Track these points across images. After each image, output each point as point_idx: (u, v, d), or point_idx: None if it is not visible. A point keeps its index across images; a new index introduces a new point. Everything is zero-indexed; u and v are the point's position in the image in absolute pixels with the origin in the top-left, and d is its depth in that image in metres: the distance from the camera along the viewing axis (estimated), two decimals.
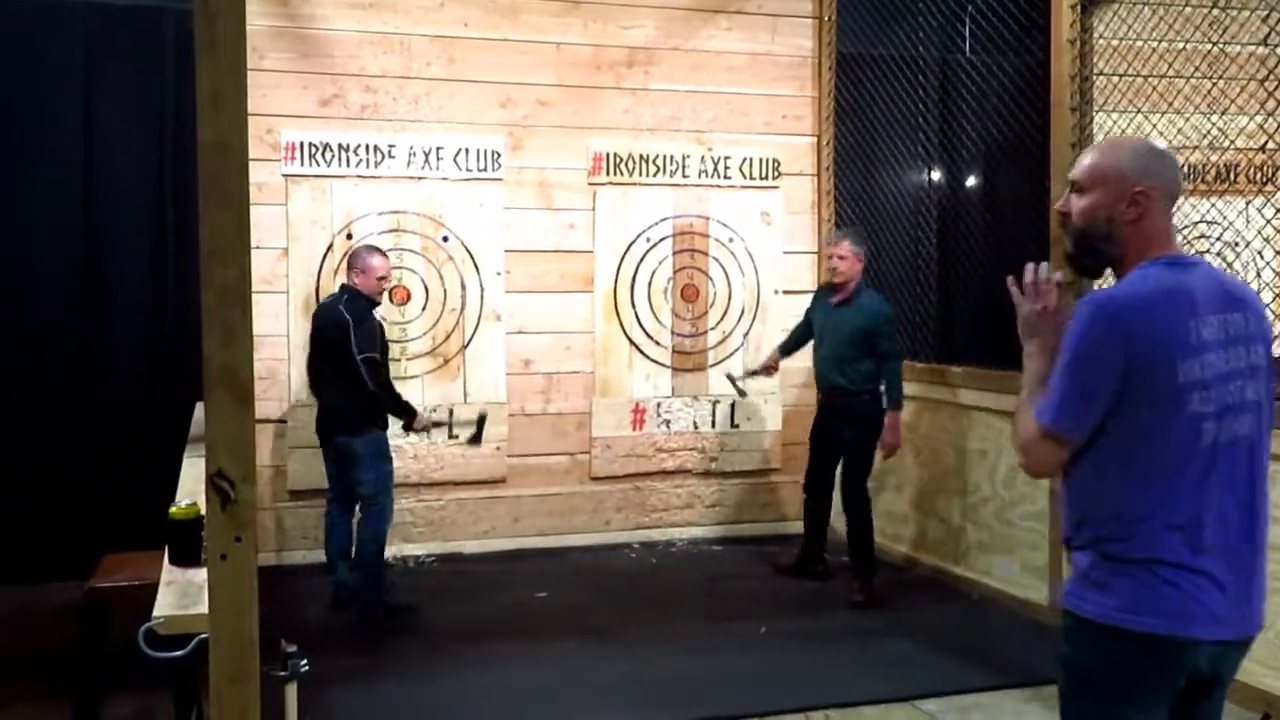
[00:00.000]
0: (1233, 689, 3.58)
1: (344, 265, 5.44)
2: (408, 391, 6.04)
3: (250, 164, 1.99)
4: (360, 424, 5.08)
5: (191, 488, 3.47)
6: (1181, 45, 4.72)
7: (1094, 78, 4.91)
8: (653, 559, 6.22)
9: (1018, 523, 5.19)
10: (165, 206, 6.02)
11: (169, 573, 2.92)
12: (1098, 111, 4.94)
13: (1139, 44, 4.78)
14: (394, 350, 6.03)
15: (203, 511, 2.77)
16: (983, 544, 5.45)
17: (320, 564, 5.80)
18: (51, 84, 5.83)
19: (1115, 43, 4.87)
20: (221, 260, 1.88)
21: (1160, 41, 4.67)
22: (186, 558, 2.97)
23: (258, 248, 5.73)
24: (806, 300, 6.80)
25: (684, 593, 5.57)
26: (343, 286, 5.23)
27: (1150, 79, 4.85)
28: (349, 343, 4.93)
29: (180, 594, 2.70)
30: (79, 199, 5.91)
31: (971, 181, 6.44)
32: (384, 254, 5.28)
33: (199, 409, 5.25)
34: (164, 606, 2.58)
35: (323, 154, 6.01)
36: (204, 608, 2.08)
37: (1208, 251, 6.24)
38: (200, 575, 2.64)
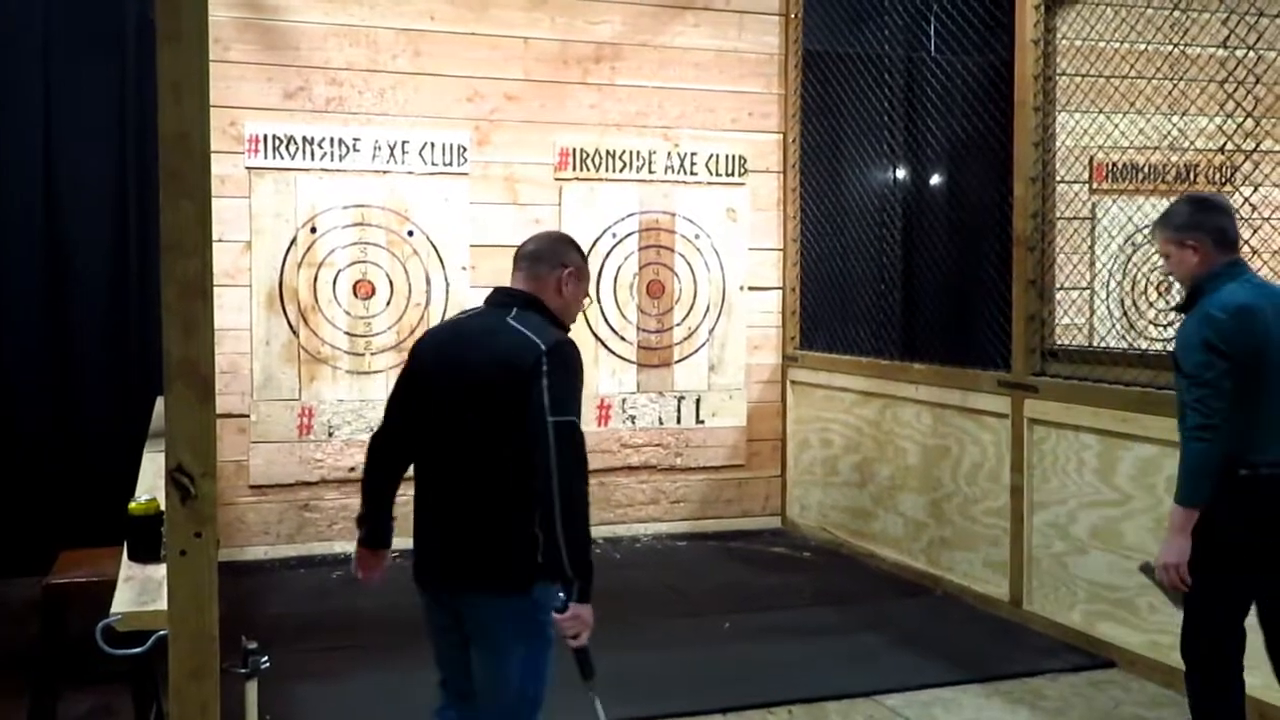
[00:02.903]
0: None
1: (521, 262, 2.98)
2: (371, 389, 6.03)
3: (213, 156, 1.96)
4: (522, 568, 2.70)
5: (151, 483, 3.44)
6: (1143, 46, 4.76)
7: (1057, 78, 4.95)
8: (617, 555, 6.23)
9: (980, 519, 5.23)
10: (127, 198, 5.95)
11: (128, 569, 2.89)
12: (1060, 111, 4.97)
13: (1101, 45, 4.82)
14: (360, 345, 6.02)
15: (162, 507, 2.74)
16: (945, 540, 5.48)
17: (285, 559, 5.77)
18: (10, 73, 5.75)
19: (1078, 43, 4.91)
20: (182, 253, 1.85)
21: (1122, 43, 4.72)
22: (146, 554, 2.93)
23: (220, 241, 5.68)
24: (771, 299, 6.86)
25: (648, 589, 5.57)
26: (514, 293, 2.81)
27: (1112, 79, 4.90)
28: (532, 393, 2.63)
29: (139, 590, 2.67)
30: (38, 190, 5.84)
31: (936, 179, 6.48)
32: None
33: (159, 403, 5.20)
34: (123, 603, 2.55)
35: (287, 147, 5.96)
36: (163, 604, 2.05)
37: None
38: (160, 571, 2.61)
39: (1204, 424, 2.99)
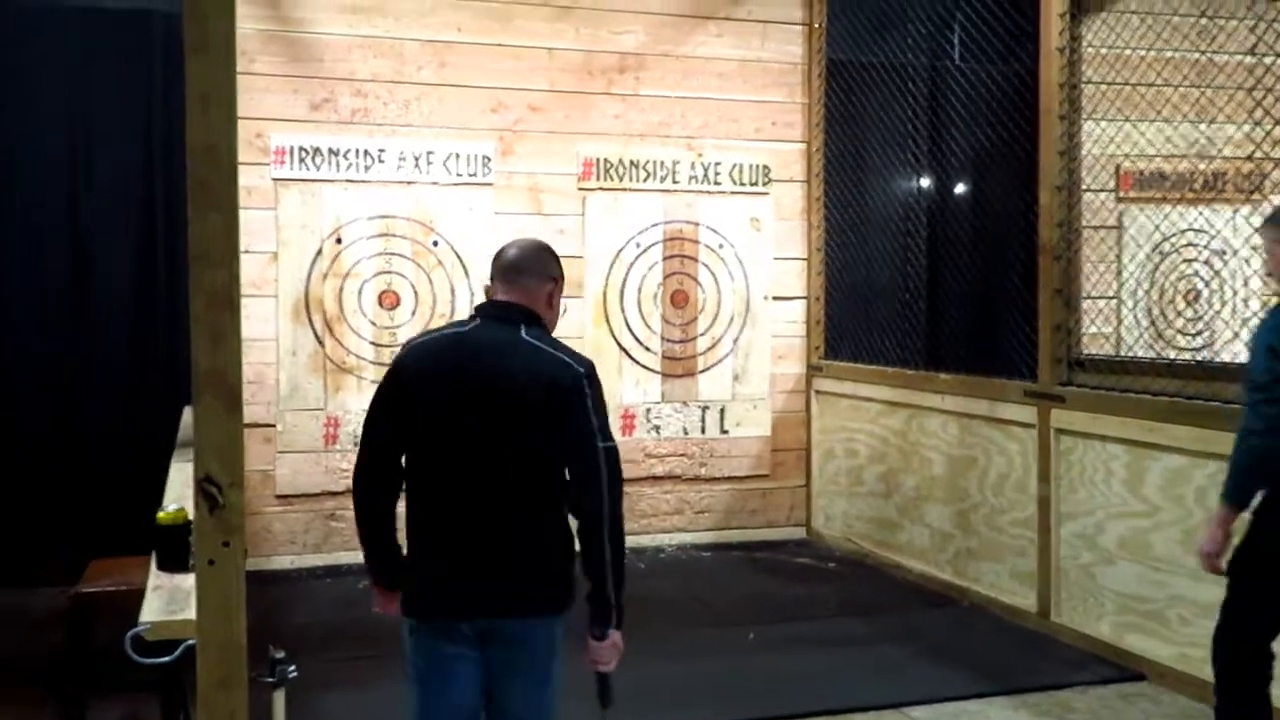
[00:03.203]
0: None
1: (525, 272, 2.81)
2: None
3: (240, 168, 1.98)
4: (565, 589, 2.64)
5: (179, 492, 3.45)
6: (1170, 54, 4.74)
7: (1082, 86, 4.92)
8: (642, 565, 6.21)
9: (1007, 530, 5.19)
10: (155, 210, 6.00)
11: (156, 578, 2.91)
12: (1086, 119, 4.95)
13: (1127, 52, 4.79)
14: (385, 355, 6.03)
15: (190, 516, 2.76)
16: (971, 551, 5.44)
17: (312, 568, 5.79)
18: (40, 87, 5.80)
19: (1104, 51, 4.89)
20: (210, 264, 1.86)
21: (1149, 50, 4.69)
22: (174, 563, 2.95)
23: (247, 252, 5.71)
24: (796, 308, 6.85)
25: (673, 599, 5.56)
26: (517, 308, 2.66)
27: (1139, 87, 4.87)
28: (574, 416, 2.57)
29: (168, 599, 2.68)
30: (66, 202, 5.90)
31: (960, 189, 6.46)
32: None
33: (187, 413, 5.24)
34: (151, 612, 2.57)
35: (313, 158, 5.99)
36: (192, 613, 2.06)
37: (1195, 260, 6.27)
38: (188, 581, 2.62)
39: (1259, 428, 3.03)
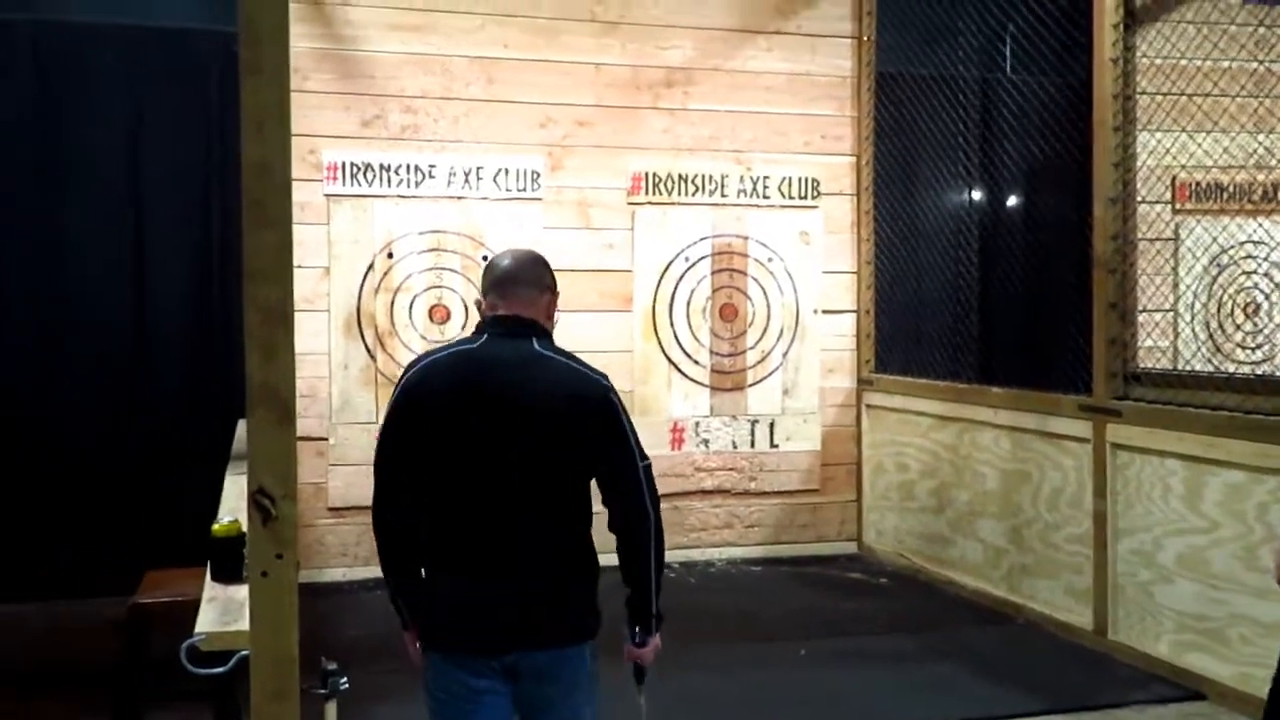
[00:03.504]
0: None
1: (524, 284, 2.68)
2: None
3: (293, 184, 2.00)
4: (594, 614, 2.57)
5: (233, 505, 3.50)
6: (1226, 64, 4.68)
7: (1137, 96, 4.86)
8: (691, 579, 6.20)
9: (1062, 546, 5.12)
10: (210, 227, 6.10)
11: (211, 589, 2.94)
12: (1141, 131, 4.89)
13: (1183, 62, 4.73)
14: None
15: (244, 529, 2.79)
16: (1026, 567, 5.38)
17: (363, 581, 5.83)
18: (100, 106, 5.92)
19: (1159, 61, 4.83)
20: (264, 279, 1.89)
21: (1205, 60, 4.63)
22: (228, 574, 2.98)
23: (300, 267, 5.79)
24: (845, 322, 6.81)
25: (723, 613, 5.54)
26: (525, 321, 2.56)
27: (1195, 98, 4.81)
28: (609, 435, 2.52)
29: (222, 610, 2.72)
30: (126, 219, 6.00)
31: (1012, 201, 6.40)
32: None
33: (241, 427, 5.30)
34: (206, 623, 2.60)
35: (364, 174, 6.06)
36: (245, 624, 2.08)
37: (1254, 272, 6.17)
38: (242, 592, 2.65)
39: None
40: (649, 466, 2.53)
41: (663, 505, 2.58)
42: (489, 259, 2.64)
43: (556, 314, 2.61)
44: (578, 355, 2.54)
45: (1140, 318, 4.94)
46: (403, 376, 2.52)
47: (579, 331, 6.27)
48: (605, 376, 2.52)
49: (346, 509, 5.97)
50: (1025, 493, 5.37)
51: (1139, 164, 4.88)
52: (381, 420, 2.55)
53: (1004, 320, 6.24)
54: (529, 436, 2.42)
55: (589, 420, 2.45)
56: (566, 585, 2.49)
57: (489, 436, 2.42)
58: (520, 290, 2.53)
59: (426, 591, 2.52)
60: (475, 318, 6.06)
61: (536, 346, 2.48)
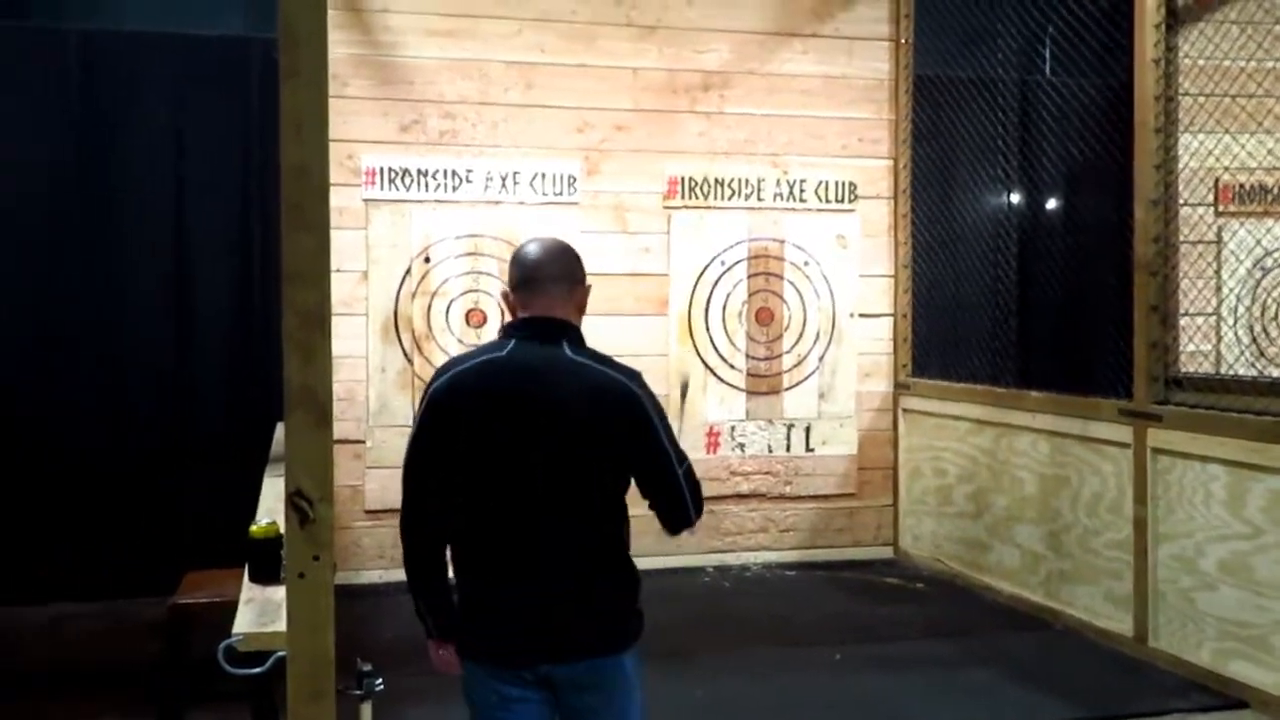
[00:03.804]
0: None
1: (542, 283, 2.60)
2: None
3: (331, 188, 2.02)
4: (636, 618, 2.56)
5: (271, 506, 3.52)
6: (1271, 64, 4.61)
7: (1179, 98, 4.80)
8: (726, 583, 6.19)
9: (1101, 552, 5.07)
10: (251, 231, 6.17)
11: (249, 590, 2.97)
12: (1183, 132, 4.83)
13: (1226, 63, 4.67)
14: None
15: (281, 530, 2.81)
16: (1064, 573, 5.33)
17: (399, 583, 5.85)
18: (143, 112, 6.02)
19: (1201, 62, 4.77)
20: (303, 283, 1.90)
21: (1249, 60, 4.57)
22: (266, 576, 3.01)
23: (338, 271, 5.83)
24: (882, 326, 6.78)
25: (758, 617, 5.52)
26: (556, 323, 2.51)
27: (1238, 99, 4.75)
28: (646, 442, 2.48)
29: (259, 611, 2.74)
30: (168, 223, 6.09)
31: (1052, 204, 6.34)
32: None
33: (279, 429, 5.35)
34: (244, 624, 2.62)
35: (402, 179, 6.10)
36: (282, 625, 2.10)
37: None
38: (279, 593, 2.67)
39: None
40: (690, 469, 2.49)
41: None
42: (519, 249, 2.55)
43: (585, 303, 2.54)
44: (611, 357, 2.50)
45: (1182, 321, 4.87)
46: (429, 386, 2.47)
47: (615, 336, 6.28)
48: (638, 377, 2.46)
49: (383, 511, 6.01)
50: (1064, 498, 5.32)
51: (1181, 166, 4.82)
52: (411, 430, 2.50)
53: (1043, 324, 6.18)
54: (560, 446, 2.39)
55: (622, 429, 2.41)
56: (598, 595, 2.45)
57: (519, 447, 2.39)
58: (550, 288, 2.46)
59: (459, 601, 2.51)
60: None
61: (568, 352, 2.42)
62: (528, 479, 2.39)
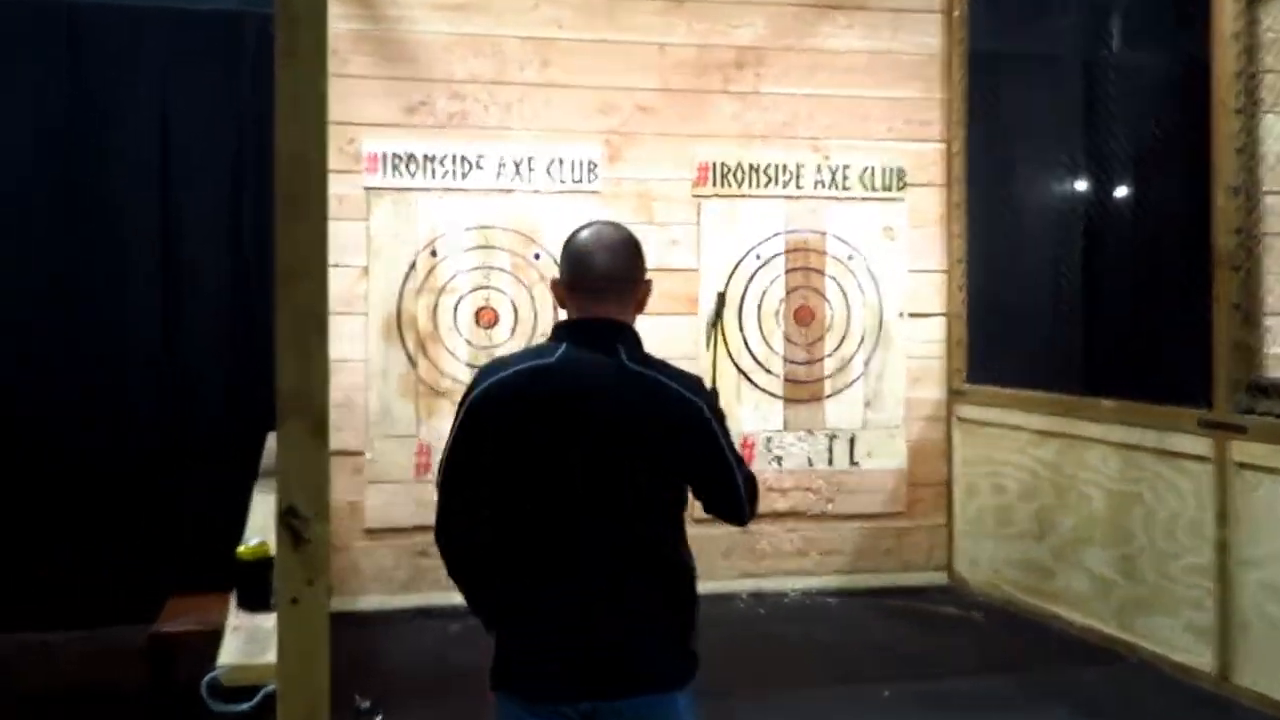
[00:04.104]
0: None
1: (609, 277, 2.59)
2: None
3: (330, 176, 2.01)
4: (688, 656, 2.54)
5: (261, 525, 3.52)
6: None
7: (1262, 75, 4.76)
8: (761, 610, 6.17)
9: (1180, 578, 5.02)
10: (242, 221, 6.18)
11: (236, 617, 2.97)
12: (1266, 113, 4.79)
13: None
14: None
15: (272, 552, 2.81)
16: (1138, 601, 5.28)
17: (401, 610, 5.86)
18: (132, 90, 6.04)
19: None
20: (297, 278, 1.89)
21: None
22: (255, 601, 3.00)
23: (336, 265, 5.85)
24: (934, 326, 6.75)
25: (798, 649, 5.51)
26: (612, 327, 2.53)
27: None
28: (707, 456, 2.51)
29: (247, 640, 2.74)
30: (156, 211, 6.10)
31: (1121, 192, 6.29)
32: None
33: (270, 439, 5.36)
34: (230, 654, 2.62)
35: (407, 165, 6.11)
36: (272, 656, 2.09)
37: None
38: (269, 620, 2.67)
39: None
40: (749, 473, 2.55)
41: (732, 529, 2.60)
42: (572, 236, 2.53)
43: (647, 302, 2.57)
44: (668, 363, 2.50)
45: (1267, 321, 4.83)
46: (468, 391, 2.46)
47: (643, 335, 6.28)
48: (700, 385, 2.48)
49: (384, 531, 6.01)
50: (1137, 517, 5.27)
51: (1265, 150, 4.78)
52: (448, 438, 2.50)
53: (1112, 323, 6.13)
54: (615, 464, 2.39)
55: (685, 442, 2.43)
56: (655, 625, 2.44)
57: (569, 464, 2.39)
58: (607, 287, 2.47)
59: (496, 626, 2.50)
60: (526, 323, 6.14)
61: (625, 360, 2.42)
62: (578, 496, 2.39)
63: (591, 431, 2.37)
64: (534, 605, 2.42)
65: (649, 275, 2.58)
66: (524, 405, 2.40)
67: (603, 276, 2.46)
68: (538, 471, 2.39)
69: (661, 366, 2.46)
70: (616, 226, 2.59)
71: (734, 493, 2.48)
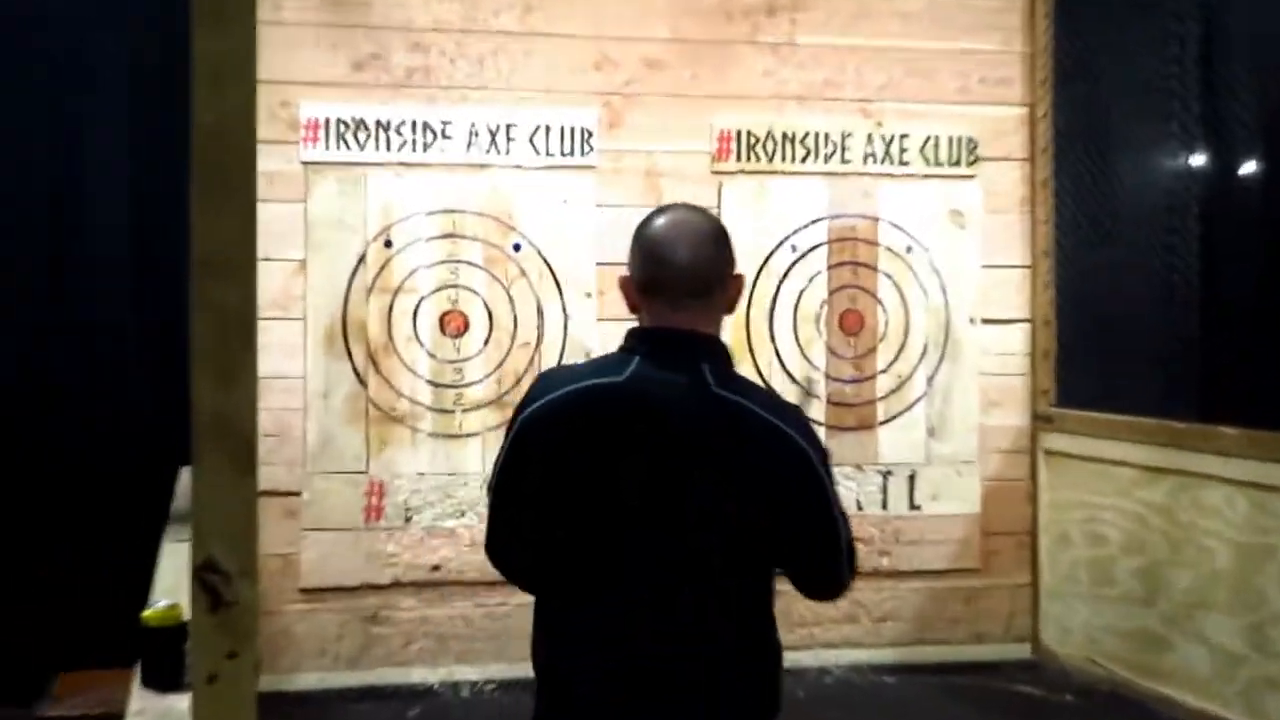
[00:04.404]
0: None
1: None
2: (464, 459, 6.12)
3: (260, 148, 2.02)
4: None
5: (171, 584, 3.53)
6: None
7: None
8: (801, 692, 6.16)
9: None
10: (149, 206, 6.20)
11: (140, 698, 2.98)
12: None
13: None
14: (448, 399, 6.11)
15: (186, 617, 2.81)
16: (1272, 679, 5.29)
17: (346, 690, 5.86)
18: (24, 48, 6.07)
19: None
20: (218, 277, 1.91)
21: None
22: (164, 679, 3.02)
23: (266, 259, 5.86)
24: (1015, 336, 6.75)
25: None
26: (696, 340, 2.58)
27: None
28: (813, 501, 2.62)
29: None
30: (43, 196, 6.13)
31: (1248, 168, 6.31)
32: None
33: (184, 476, 5.37)
34: None
35: (355, 134, 6.13)
36: None
37: None
38: (181, 702, 2.68)
39: None
40: (852, 541, 2.60)
41: None
42: (646, 223, 2.60)
43: (738, 302, 2.65)
44: (765, 388, 2.55)
45: None
46: (522, 406, 2.56)
47: None
48: (801, 419, 2.54)
49: (325, 591, 6.01)
50: (1271, 575, 5.28)
51: None
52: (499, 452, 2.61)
53: (1237, 333, 6.14)
54: (688, 509, 2.44)
55: (785, 489, 2.48)
56: (726, 685, 2.51)
57: (631, 506, 2.45)
58: (689, 290, 2.52)
59: (544, 675, 2.59)
60: (503, 330, 6.16)
61: (710, 382, 2.46)
62: (642, 544, 2.45)
63: (663, 468, 2.42)
64: (565, 693, 2.53)
65: (738, 270, 2.62)
66: (579, 434, 2.49)
67: (685, 275, 2.52)
68: (590, 516, 2.47)
69: (753, 392, 2.52)
70: (701, 212, 2.65)
71: (834, 560, 2.54)
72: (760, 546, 2.50)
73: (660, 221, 2.57)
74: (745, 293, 6.35)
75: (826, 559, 2.54)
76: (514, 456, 2.53)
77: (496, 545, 2.67)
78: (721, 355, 2.53)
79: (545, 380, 2.58)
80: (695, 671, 2.47)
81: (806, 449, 2.47)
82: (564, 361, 6.09)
